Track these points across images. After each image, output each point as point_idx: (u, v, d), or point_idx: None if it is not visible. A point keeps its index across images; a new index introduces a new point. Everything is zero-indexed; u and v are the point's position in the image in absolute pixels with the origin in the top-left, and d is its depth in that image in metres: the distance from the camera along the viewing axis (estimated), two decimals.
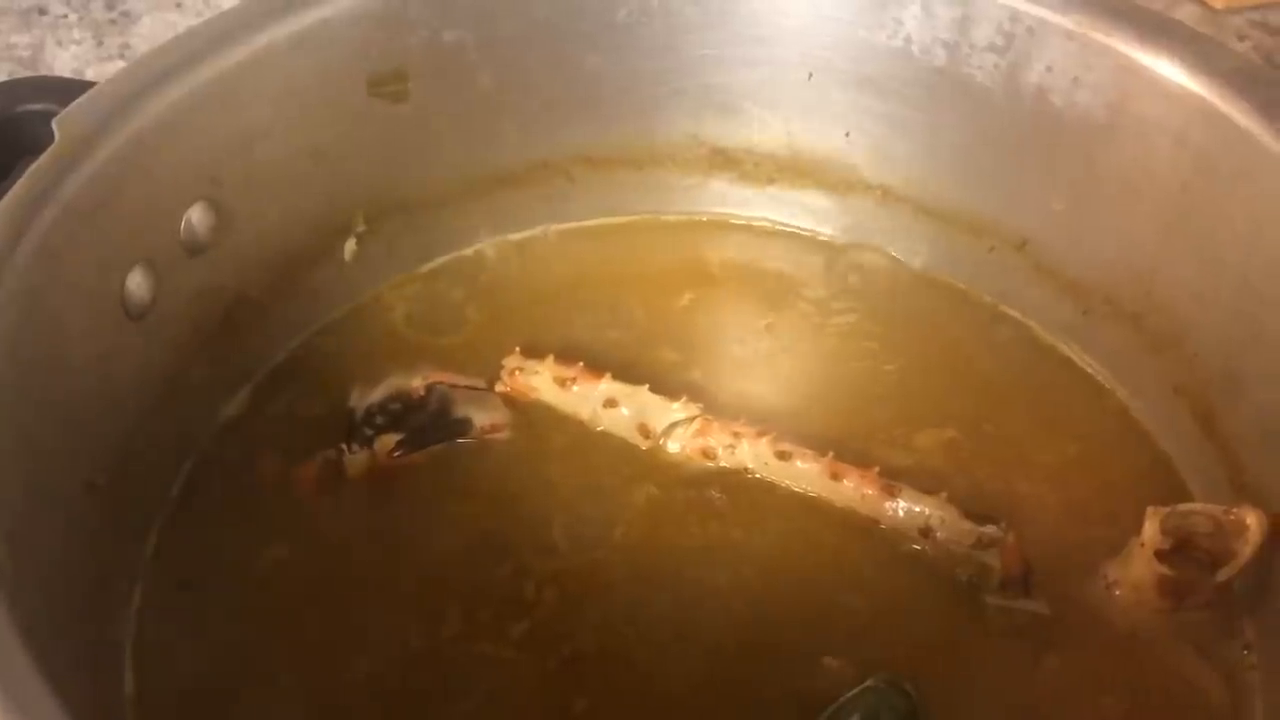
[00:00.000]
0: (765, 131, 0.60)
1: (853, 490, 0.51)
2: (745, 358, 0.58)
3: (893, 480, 0.51)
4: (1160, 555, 0.47)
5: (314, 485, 0.52)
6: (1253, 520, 0.46)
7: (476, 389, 0.55)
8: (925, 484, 0.51)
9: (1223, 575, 0.47)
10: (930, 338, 0.59)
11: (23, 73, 0.73)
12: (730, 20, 0.57)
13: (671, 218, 0.63)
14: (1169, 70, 0.50)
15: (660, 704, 0.46)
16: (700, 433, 0.53)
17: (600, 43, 0.57)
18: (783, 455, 0.52)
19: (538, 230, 0.62)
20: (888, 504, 0.50)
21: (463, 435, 0.53)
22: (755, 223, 0.63)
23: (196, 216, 0.49)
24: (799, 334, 0.59)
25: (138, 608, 0.48)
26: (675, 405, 0.53)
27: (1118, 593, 0.49)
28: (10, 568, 0.36)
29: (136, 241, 0.47)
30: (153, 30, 0.77)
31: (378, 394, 0.54)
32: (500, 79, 0.57)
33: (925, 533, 0.50)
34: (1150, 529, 0.47)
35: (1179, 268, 0.52)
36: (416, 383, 0.54)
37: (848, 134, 0.59)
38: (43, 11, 0.77)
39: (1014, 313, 0.59)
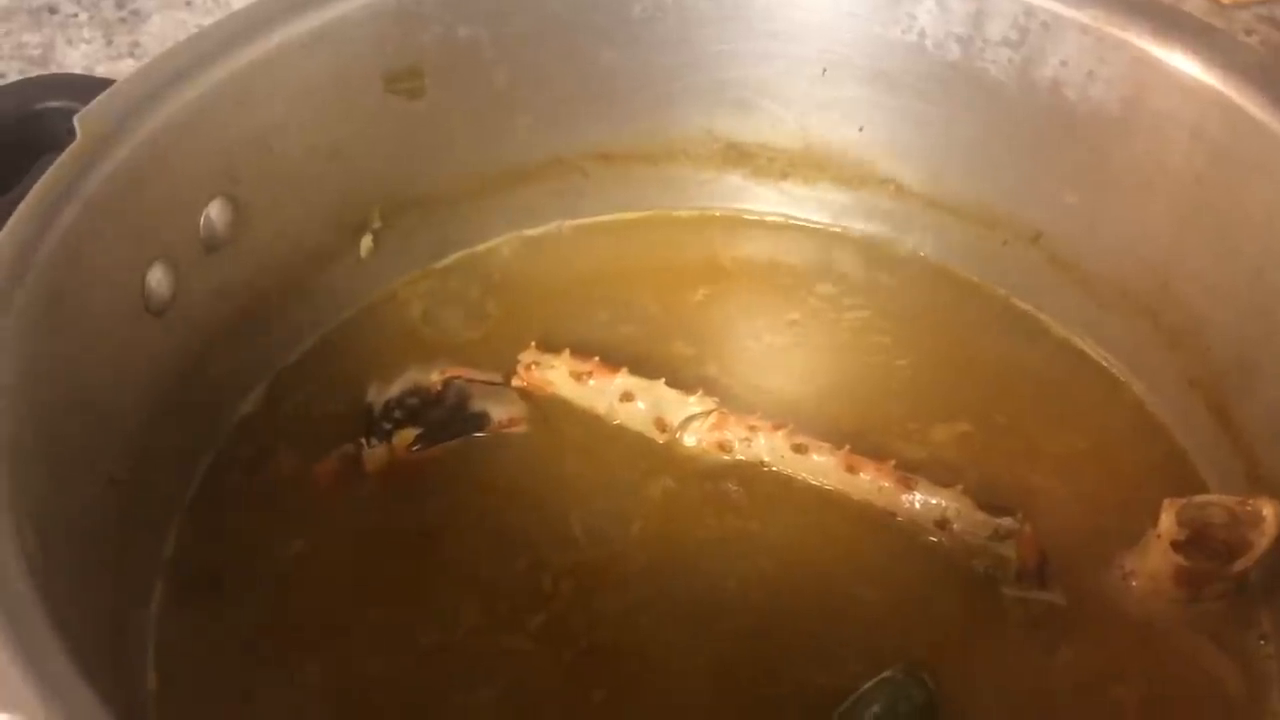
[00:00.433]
0: (779, 127, 0.60)
1: (869, 483, 0.51)
2: (760, 352, 0.58)
3: (909, 473, 0.51)
4: (1176, 546, 0.47)
5: (333, 480, 0.52)
6: (1269, 511, 0.46)
7: (493, 384, 0.55)
8: (940, 477, 0.51)
9: (1239, 566, 0.47)
10: (944, 331, 0.59)
11: (34, 71, 0.73)
12: (745, 15, 0.57)
13: (686, 213, 0.63)
14: (1184, 64, 0.50)
15: (677, 695, 0.46)
16: (716, 426, 0.53)
17: (615, 38, 0.57)
18: (799, 448, 0.52)
19: (553, 226, 0.62)
20: (904, 496, 0.50)
21: (480, 430, 0.54)
22: (769, 218, 0.63)
23: (215, 213, 0.50)
24: (813, 328, 0.59)
25: (159, 603, 0.48)
26: (691, 399, 0.53)
27: (1134, 584, 0.49)
28: (41, 559, 0.36)
29: (157, 237, 0.47)
30: (163, 29, 0.77)
31: (395, 389, 0.54)
32: (515, 75, 0.57)
33: (942, 525, 0.50)
34: (1166, 520, 0.47)
35: (1194, 261, 0.52)
36: (434, 378, 0.54)
37: (861, 129, 0.59)
38: (53, 10, 0.77)
39: (1028, 306, 0.59)
